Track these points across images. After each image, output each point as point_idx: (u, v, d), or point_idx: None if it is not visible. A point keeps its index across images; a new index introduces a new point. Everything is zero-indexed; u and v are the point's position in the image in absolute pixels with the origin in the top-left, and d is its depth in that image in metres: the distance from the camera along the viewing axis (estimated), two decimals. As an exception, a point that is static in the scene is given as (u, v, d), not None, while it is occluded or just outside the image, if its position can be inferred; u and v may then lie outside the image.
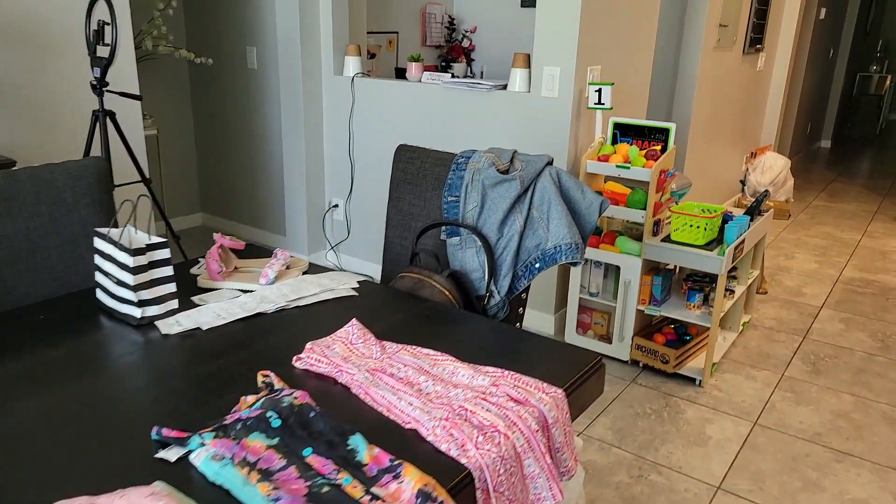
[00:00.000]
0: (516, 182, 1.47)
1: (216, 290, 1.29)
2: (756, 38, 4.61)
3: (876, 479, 2.04)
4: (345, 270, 3.61)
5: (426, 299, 1.36)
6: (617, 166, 2.57)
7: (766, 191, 3.01)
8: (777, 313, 3.22)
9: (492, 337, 1.20)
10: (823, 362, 2.75)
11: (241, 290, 1.29)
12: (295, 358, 1.04)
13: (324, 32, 3.30)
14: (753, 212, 2.84)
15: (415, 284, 1.42)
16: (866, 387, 2.56)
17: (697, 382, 2.57)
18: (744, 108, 4.83)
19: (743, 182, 5.20)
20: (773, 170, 5.16)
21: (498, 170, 1.49)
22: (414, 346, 1.08)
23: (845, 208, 5.21)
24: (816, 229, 4.64)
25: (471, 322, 1.26)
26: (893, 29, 9.67)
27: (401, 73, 3.93)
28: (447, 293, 1.41)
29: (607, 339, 2.76)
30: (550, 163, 1.53)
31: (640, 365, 2.69)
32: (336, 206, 3.56)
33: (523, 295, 1.56)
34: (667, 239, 2.58)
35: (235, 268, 1.35)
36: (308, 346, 1.05)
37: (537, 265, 1.48)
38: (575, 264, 1.50)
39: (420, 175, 1.65)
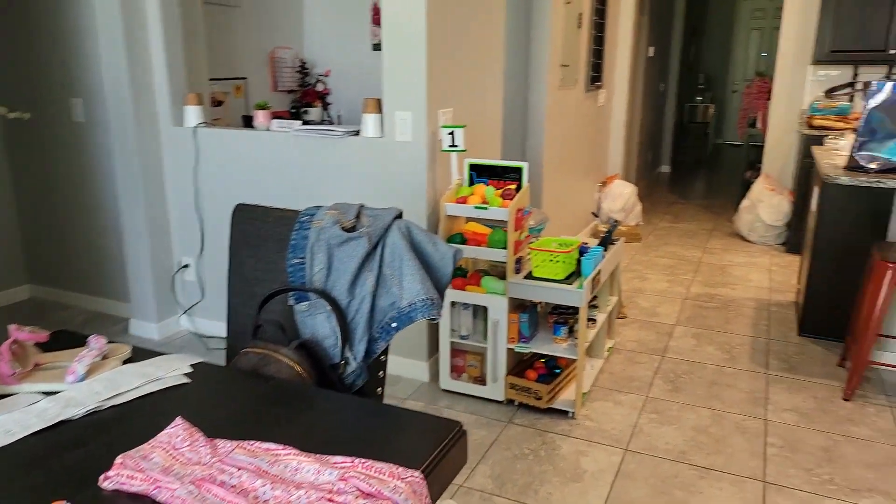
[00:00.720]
0: (363, 240, 1.39)
1: (10, 395, 1.09)
2: (595, 76, 4.92)
3: (736, 490, 2.14)
4: (200, 336, 3.34)
5: (272, 377, 1.24)
6: (475, 207, 2.57)
7: (616, 221, 3.15)
8: (637, 335, 3.37)
9: (345, 415, 1.10)
10: (681, 379, 2.89)
11: (43, 393, 1.10)
12: (102, 477, 0.87)
13: (158, 81, 3.08)
14: (607, 242, 2.96)
15: (259, 361, 1.29)
16: (719, 399, 2.72)
17: (570, 415, 2.59)
18: (591, 141, 5.13)
19: (595, 213, 5.49)
20: (622, 197, 5.50)
21: (343, 227, 1.41)
22: (251, 442, 0.96)
23: (687, 228, 5.64)
24: (664, 249, 4.97)
25: (322, 399, 1.15)
26: (711, 64, 10.82)
27: (249, 122, 3.77)
28: (296, 367, 1.29)
29: (482, 380, 2.73)
30: (399, 216, 1.47)
31: (516, 404, 2.68)
32: (186, 265, 3.30)
33: (382, 357, 1.47)
34: (530, 275, 2.61)
35: (36, 365, 1.15)
36: (119, 459, 0.89)
37: (394, 325, 1.41)
38: (433, 320, 1.44)
39: (262, 236, 1.52)
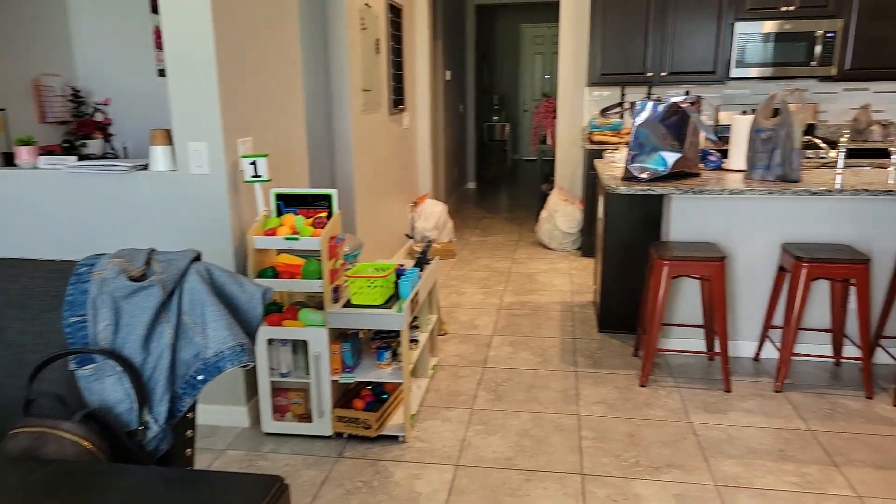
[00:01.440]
0: (156, 288, 1.25)
1: None
2: (397, 99, 5.03)
3: (558, 487, 2.27)
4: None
5: (52, 460, 1.06)
6: (285, 239, 2.48)
7: (430, 240, 3.22)
8: (458, 349, 3.46)
9: (147, 492, 0.97)
10: (502, 387, 3.02)
11: None
12: None
13: None
14: (422, 262, 3.01)
15: (34, 442, 1.10)
16: (538, 401, 2.88)
17: (401, 439, 2.58)
18: (400, 163, 5.23)
19: (409, 235, 5.60)
20: (434, 215, 5.66)
21: (131, 277, 1.26)
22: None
23: (496, 240, 5.97)
24: (477, 263, 5.20)
25: (118, 477, 1.00)
26: (503, 86, 11.65)
27: (10, 160, 3.29)
28: (83, 443, 1.12)
29: (307, 417, 2.62)
30: (198, 258, 1.35)
31: (345, 436, 2.61)
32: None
33: (189, 414, 1.34)
34: (349, 303, 2.56)
35: None
36: None
37: (200, 378, 1.28)
38: (246, 366, 1.34)
39: (29, 294, 1.31)
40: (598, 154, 4.92)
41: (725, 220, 3.13)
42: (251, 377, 2.71)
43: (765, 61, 4.75)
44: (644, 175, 2.99)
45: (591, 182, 5.02)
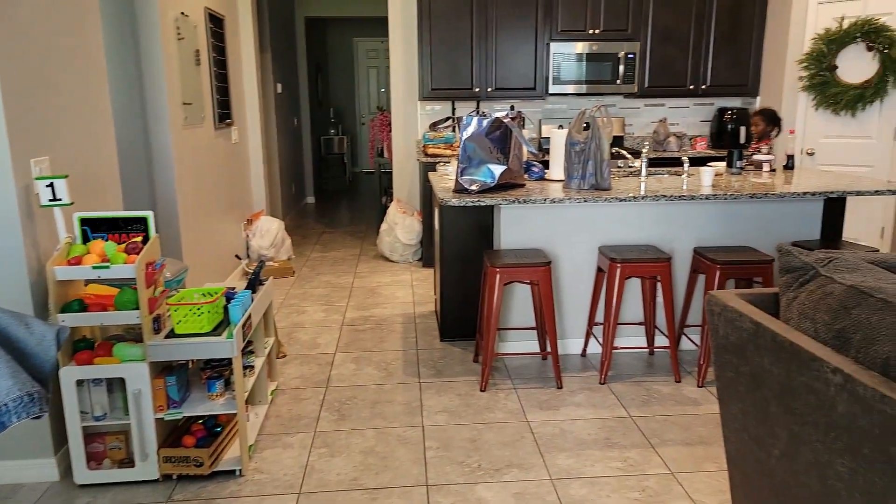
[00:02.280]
0: (-89, 339, 1.06)
1: None
2: (224, 113, 4.79)
3: (405, 501, 2.26)
4: None
5: None
6: (93, 268, 2.24)
7: (262, 261, 3.09)
8: (300, 371, 3.35)
9: None
10: (346, 406, 2.97)
11: None
12: None
13: None
14: (254, 283, 2.88)
15: None
16: (382, 417, 2.86)
17: (238, 473, 2.43)
18: (230, 179, 4.98)
19: (239, 256, 5.35)
20: (270, 232, 5.46)
21: None
22: None
23: (337, 255, 5.89)
24: (318, 280, 5.09)
25: None
26: (339, 99, 11.57)
27: None
28: None
29: (129, 462, 2.38)
30: (-31, 299, 1.17)
31: (175, 477, 2.41)
32: None
33: (-34, 482, 1.15)
34: (172, 333, 2.37)
35: None
36: None
37: (-23, 438, 1.11)
38: (38, 417, 1.18)
39: None
40: (433, 166, 5.04)
41: (549, 227, 3.34)
42: (58, 424, 2.41)
43: (578, 79, 5.16)
44: (474, 187, 3.10)
45: (428, 193, 5.13)
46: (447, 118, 3.08)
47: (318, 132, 10.06)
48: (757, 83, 5.27)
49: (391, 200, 5.93)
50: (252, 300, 2.69)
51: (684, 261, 3.43)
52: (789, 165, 3.83)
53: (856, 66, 4.52)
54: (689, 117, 5.62)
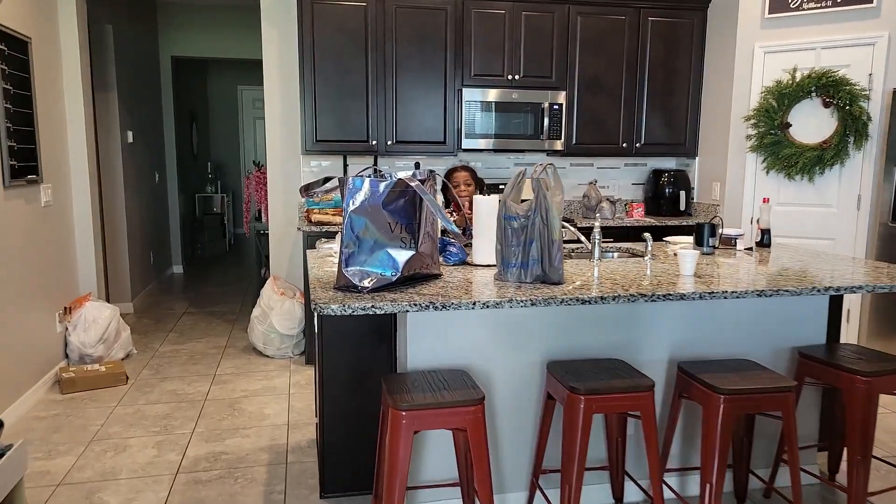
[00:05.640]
0: None
1: None
2: (25, 167, 3.49)
3: None
4: None
5: None
6: None
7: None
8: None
9: None
10: None
11: None
12: None
13: None
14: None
15: None
16: None
17: None
18: (38, 253, 3.63)
19: (56, 355, 3.94)
20: (97, 324, 4.10)
21: None
22: None
23: (195, 348, 4.58)
24: (161, 389, 3.78)
25: None
26: (219, 152, 10.27)
27: None
28: None
29: None
30: None
31: None
32: None
33: None
34: None
35: None
36: None
37: None
38: None
39: None
40: (320, 235, 3.95)
41: (476, 337, 2.32)
42: None
43: (497, 132, 4.29)
44: (367, 283, 2.04)
45: (312, 272, 4.00)
46: (323, 179, 2.01)
47: (192, 189, 8.70)
48: (695, 143, 4.62)
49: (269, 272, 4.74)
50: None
51: (659, 378, 2.50)
52: (765, 242, 3.06)
53: (811, 123, 3.92)
54: (620, 180, 4.89)
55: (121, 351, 4.27)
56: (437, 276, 2.30)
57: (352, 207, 2.01)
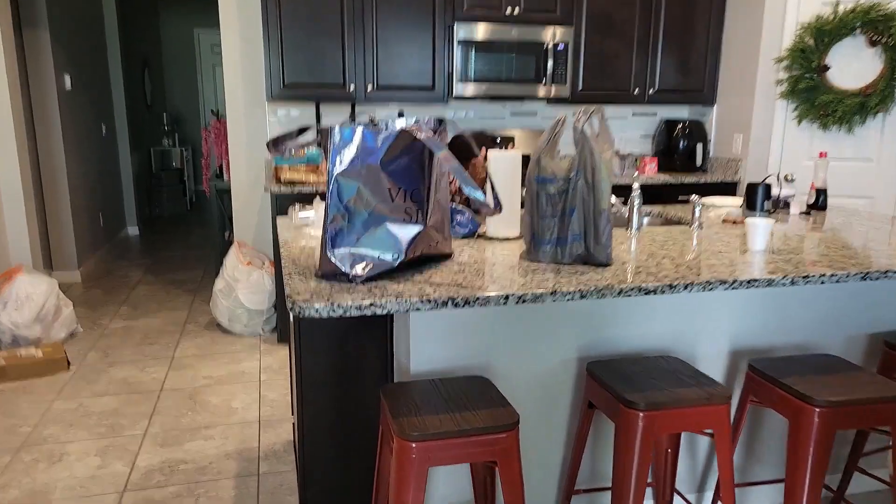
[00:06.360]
0: None
1: None
2: (-77, 114, 2.84)
3: None
4: None
5: None
6: None
7: None
8: None
9: None
10: None
11: None
12: None
13: None
14: None
15: None
16: None
17: None
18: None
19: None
20: (32, 300, 3.52)
21: None
22: None
23: (151, 325, 4.03)
24: (109, 377, 3.25)
25: None
26: (176, 102, 9.45)
27: None
28: None
29: None
30: None
31: None
32: None
33: None
34: None
35: None
36: None
37: None
38: None
39: None
40: (291, 198, 3.40)
41: (497, 332, 1.84)
42: None
43: (494, 76, 3.73)
44: (360, 269, 1.52)
45: (283, 239, 3.46)
46: (297, 130, 1.45)
47: (147, 143, 7.94)
48: (713, 89, 4.12)
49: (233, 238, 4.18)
50: None
51: (717, 376, 2.06)
52: (820, 204, 2.61)
53: (853, 65, 3.45)
54: (626, 131, 4.38)
55: (62, 330, 3.70)
56: (447, 256, 1.79)
57: (339, 168, 1.48)
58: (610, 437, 2.02)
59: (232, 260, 3.84)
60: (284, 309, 3.65)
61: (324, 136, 1.50)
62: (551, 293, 1.49)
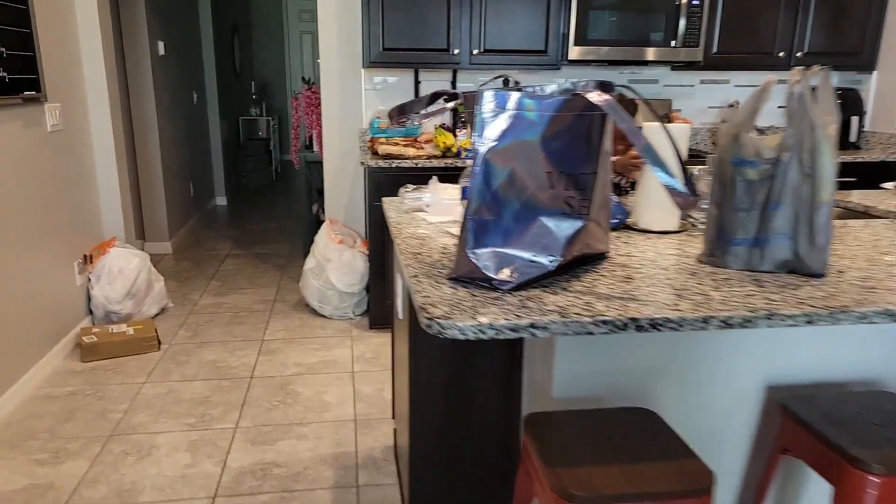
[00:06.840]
0: None
1: None
2: (19, 80, 2.71)
3: None
4: None
5: None
6: None
7: None
8: None
9: None
10: None
11: None
12: None
13: None
14: None
15: None
16: None
17: None
18: (45, 190, 2.90)
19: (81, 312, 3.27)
20: (124, 275, 3.42)
21: None
22: None
23: (240, 302, 3.88)
24: (199, 359, 3.10)
25: None
26: (265, 70, 9.39)
27: None
28: None
29: None
30: None
31: None
32: None
33: None
34: None
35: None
36: None
37: None
38: None
39: None
40: (388, 174, 3.12)
41: (659, 358, 1.47)
42: None
43: (616, 38, 3.29)
44: (506, 274, 1.20)
45: (380, 213, 3.20)
46: (436, 94, 1.10)
47: (235, 112, 7.90)
48: (874, 52, 3.51)
49: (324, 212, 3.96)
50: None
51: (928, 407, 1.62)
52: None
53: None
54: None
55: (154, 306, 3.60)
56: (602, 256, 1.43)
57: (488, 145, 1.14)
58: (805, 491, 1.63)
59: (323, 238, 3.61)
60: (377, 292, 3.40)
61: (468, 101, 1.17)
62: (767, 317, 1.11)
